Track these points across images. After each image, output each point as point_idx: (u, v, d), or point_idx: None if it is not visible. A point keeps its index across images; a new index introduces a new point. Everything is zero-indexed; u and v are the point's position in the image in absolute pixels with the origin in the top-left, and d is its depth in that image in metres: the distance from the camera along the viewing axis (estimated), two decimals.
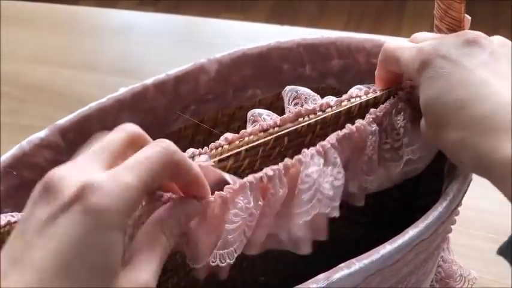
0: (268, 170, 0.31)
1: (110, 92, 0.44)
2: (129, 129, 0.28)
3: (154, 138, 0.29)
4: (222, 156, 0.32)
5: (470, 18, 0.35)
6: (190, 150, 0.33)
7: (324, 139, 0.33)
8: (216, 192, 0.30)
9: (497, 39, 0.33)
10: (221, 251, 0.30)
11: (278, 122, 0.34)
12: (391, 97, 0.36)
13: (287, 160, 0.32)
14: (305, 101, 0.36)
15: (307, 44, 0.47)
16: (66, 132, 0.42)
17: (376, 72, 0.38)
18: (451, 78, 0.31)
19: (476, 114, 0.29)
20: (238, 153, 0.33)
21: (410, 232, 0.31)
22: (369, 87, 0.37)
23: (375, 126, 0.34)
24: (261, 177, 0.31)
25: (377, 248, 0.31)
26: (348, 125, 0.34)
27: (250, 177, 0.31)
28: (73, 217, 0.23)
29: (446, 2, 0.34)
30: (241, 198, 0.30)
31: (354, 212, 0.49)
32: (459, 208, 0.36)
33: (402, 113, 0.35)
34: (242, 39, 0.84)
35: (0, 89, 0.80)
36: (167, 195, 0.29)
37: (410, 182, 0.38)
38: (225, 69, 0.47)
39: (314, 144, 0.33)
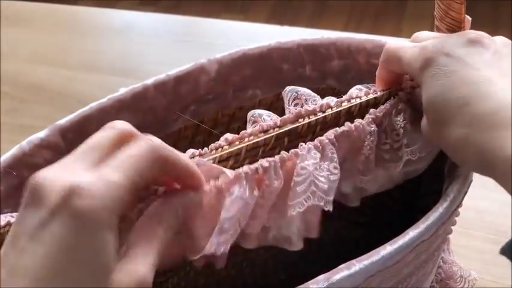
0: (264, 162, 0.31)
1: (110, 92, 0.44)
2: (118, 126, 0.28)
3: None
4: (222, 157, 0.32)
5: (470, 18, 0.35)
6: (190, 151, 0.33)
7: None
8: (211, 183, 0.30)
9: (500, 39, 0.33)
10: (216, 239, 0.30)
11: (278, 123, 0.34)
12: (391, 98, 0.36)
13: (283, 153, 0.32)
14: (305, 102, 0.36)
15: (308, 44, 0.47)
16: (66, 132, 0.42)
17: (377, 72, 0.38)
18: (455, 76, 0.31)
19: (480, 112, 0.29)
20: (239, 153, 0.33)
21: (411, 233, 0.31)
22: (368, 87, 0.37)
23: (373, 127, 0.34)
24: (257, 168, 0.31)
25: (377, 249, 0.31)
26: (347, 123, 0.34)
27: (246, 168, 0.31)
28: (61, 222, 0.23)
29: (446, 2, 0.34)
30: (237, 188, 0.30)
31: (353, 213, 0.49)
32: (459, 209, 0.36)
33: (402, 114, 0.35)
34: (242, 39, 0.84)
35: (0, 88, 0.80)
36: (162, 189, 0.29)
37: (411, 182, 0.38)
38: (225, 70, 0.47)
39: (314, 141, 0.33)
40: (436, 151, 0.36)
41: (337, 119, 0.35)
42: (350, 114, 0.35)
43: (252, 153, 0.33)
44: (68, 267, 0.23)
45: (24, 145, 0.40)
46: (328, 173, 0.32)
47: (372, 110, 0.35)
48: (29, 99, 0.79)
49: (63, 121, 0.42)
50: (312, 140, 0.33)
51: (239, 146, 0.33)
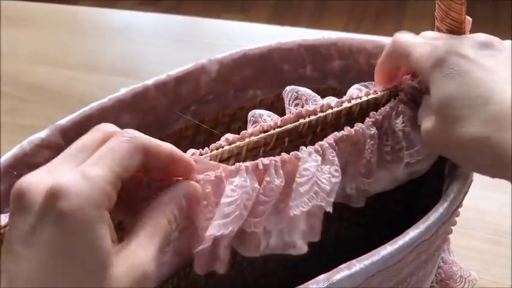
0: (264, 159, 0.31)
1: (110, 92, 0.44)
2: (104, 128, 0.28)
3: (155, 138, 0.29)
4: (222, 157, 0.32)
5: (471, 19, 0.35)
6: (191, 151, 0.33)
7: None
8: (211, 172, 0.30)
9: (509, 43, 0.33)
10: (218, 222, 0.29)
11: (279, 123, 0.34)
12: (392, 99, 0.36)
13: (284, 155, 0.32)
14: (306, 102, 0.36)
15: (308, 44, 0.47)
16: (67, 132, 0.42)
17: (378, 65, 0.37)
18: (472, 75, 0.31)
19: (503, 111, 0.29)
20: (239, 153, 0.33)
21: (411, 233, 0.31)
22: (367, 86, 0.37)
23: (373, 130, 0.34)
24: (257, 164, 0.31)
25: (378, 249, 0.31)
26: (347, 128, 0.34)
27: (246, 163, 0.31)
28: (50, 225, 0.24)
29: (447, 3, 0.34)
30: (237, 178, 0.30)
31: (354, 213, 0.50)
32: (459, 209, 0.36)
33: (401, 116, 0.35)
34: (243, 39, 0.84)
35: (0, 88, 0.80)
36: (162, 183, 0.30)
37: (412, 183, 0.38)
38: (226, 70, 0.47)
39: (314, 145, 0.33)
40: (436, 152, 0.36)
41: (337, 119, 0.35)
42: (351, 115, 0.35)
43: (253, 153, 0.33)
44: (64, 269, 0.23)
45: (25, 145, 0.40)
46: (329, 175, 0.32)
47: (372, 113, 0.35)
48: (29, 99, 0.79)
49: (64, 121, 0.42)
50: (313, 140, 0.33)
51: (240, 146, 0.33)
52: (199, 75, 0.46)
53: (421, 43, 0.34)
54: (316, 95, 0.36)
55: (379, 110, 0.35)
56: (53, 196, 0.24)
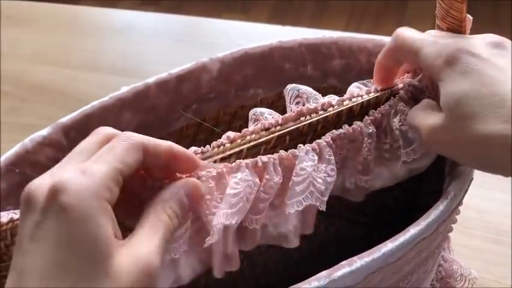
0: (263, 157, 0.32)
1: (111, 92, 0.44)
2: (104, 132, 0.29)
3: (156, 137, 0.29)
4: (224, 155, 0.33)
5: (471, 18, 0.35)
6: (192, 149, 0.33)
7: None
8: (213, 168, 0.31)
9: None
10: (224, 211, 0.30)
11: (280, 121, 0.34)
12: (392, 98, 0.36)
13: (282, 152, 0.32)
14: (307, 100, 0.36)
15: (309, 43, 0.47)
16: (68, 130, 0.42)
17: (378, 60, 0.37)
18: (487, 73, 0.31)
19: None
20: (240, 151, 0.33)
21: (412, 230, 0.32)
22: (366, 84, 0.37)
23: (372, 128, 0.34)
24: (256, 162, 0.31)
25: (378, 246, 0.31)
26: (345, 126, 0.34)
27: (246, 160, 0.31)
28: (53, 219, 0.25)
29: (447, 1, 0.34)
30: (239, 173, 0.31)
31: (354, 212, 0.50)
32: (460, 208, 0.36)
33: (399, 115, 0.35)
34: (243, 39, 0.84)
35: (0, 88, 0.80)
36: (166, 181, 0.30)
37: (412, 181, 0.38)
38: (227, 69, 0.47)
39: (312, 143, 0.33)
40: (435, 151, 0.36)
41: (338, 118, 0.35)
42: (351, 113, 0.35)
43: (254, 151, 0.33)
44: (67, 259, 0.24)
45: (27, 143, 0.40)
46: (325, 174, 0.32)
47: (371, 112, 0.35)
48: (30, 98, 0.79)
49: (66, 119, 0.42)
50: (313, 138, 0.34)
51: (241, 144, 0.33)
52: (200, 73, 0.46)
53: (430, 40, 0.34)
54: (317, 93, 0.37)
55: (379, 109, 0.35)
56: (55, 192, 0.25)
